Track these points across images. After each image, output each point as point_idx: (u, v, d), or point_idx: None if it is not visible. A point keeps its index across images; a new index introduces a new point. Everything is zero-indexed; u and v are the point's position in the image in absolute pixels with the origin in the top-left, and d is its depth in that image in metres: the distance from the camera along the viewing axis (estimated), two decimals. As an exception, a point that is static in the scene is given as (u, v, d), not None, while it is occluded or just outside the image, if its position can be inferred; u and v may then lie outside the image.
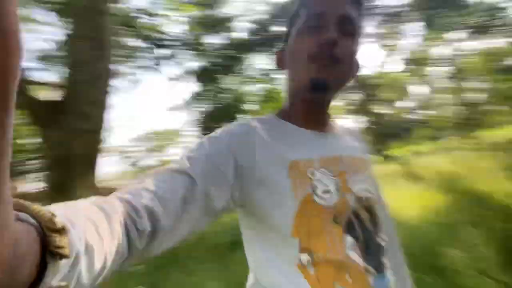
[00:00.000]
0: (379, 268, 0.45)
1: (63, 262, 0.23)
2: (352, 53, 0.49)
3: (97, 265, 0.27)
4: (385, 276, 0.45)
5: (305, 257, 0.42)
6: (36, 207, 0.23)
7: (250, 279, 0.49)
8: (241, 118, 0.51)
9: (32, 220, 0.22)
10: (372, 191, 0.50)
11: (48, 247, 0.21)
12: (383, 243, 0.47)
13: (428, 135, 17.65)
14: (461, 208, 2.64)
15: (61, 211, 0.26)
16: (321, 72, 0.46)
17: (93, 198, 0.32)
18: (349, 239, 0.44)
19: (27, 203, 0.23)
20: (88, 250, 0.26)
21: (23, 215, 0.22)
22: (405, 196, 3.16)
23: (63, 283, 0.23)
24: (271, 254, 0.44)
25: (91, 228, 0.27)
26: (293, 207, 0.43)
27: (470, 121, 13.05)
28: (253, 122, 0.49)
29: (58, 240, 0.22)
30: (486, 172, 3.61)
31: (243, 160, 0.43)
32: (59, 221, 0.23)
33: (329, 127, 0.54)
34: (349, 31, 0.47)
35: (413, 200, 3.11)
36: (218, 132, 0.46)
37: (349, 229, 0.44)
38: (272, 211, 0.43)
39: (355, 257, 0.43)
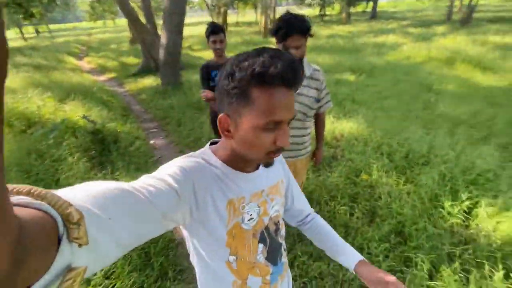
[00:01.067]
0: (279, 258, 0.72)
1: (82, 248, 0.26)
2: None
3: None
4: (279, 264, 0.73)
5: (232, 258, 0.64)
6: (53, 196, 0.25)
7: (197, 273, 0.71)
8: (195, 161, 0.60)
9: (50, 210, 0.24)
10: (280, 209, 0.73)
11: (68, 237, 0.24)
12: (280, 241, 0.73)
13: None
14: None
15: (71, 195, 0.30)
16: (272, 160, 0.62)
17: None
18: (260, 246, 0.67)
19: (44, 192, 0.25)
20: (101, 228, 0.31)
21: (36, 203, 0.24)
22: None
23: (81, 267, 0.26)
24: (210, 255, 0.64)
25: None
26: (226, 224, 0.61)
27: None
28: (205, 162, 0.61)
29: (77, 232, 0.25)
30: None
31: (200, 192, 0.57)
32: (75, 211, 0.25)
33: (257, 166, 0.68)
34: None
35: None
36: (183, 162, 0.58)
37: (261, 239, 0.68)
38: (215, 231, 0.61)
39: (261, 258, 0.68)
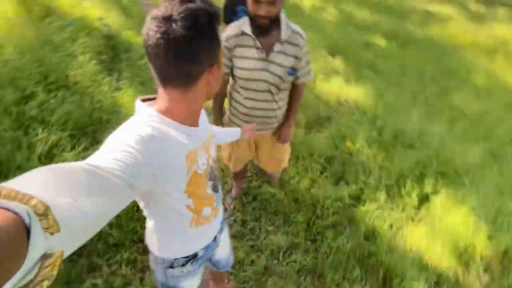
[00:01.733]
0: (217, 189, 0.87)
1: (55, 235, 0.26)
2: None
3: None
4: (219, 191, 0.90)
5: (190, 201, 0.75)
6: (10, 191, 0.25)
7: (150, 224, 0.83)
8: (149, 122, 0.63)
9: (10, 205, 0.23)
10: (214, 148, 0.87)
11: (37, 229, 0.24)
12: (216, 173, 0.87)
13: None
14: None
15: (32, 187, 0.29)
16: None
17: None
18: (210, 183, 0.82)
19: (4, 190, 0.24)
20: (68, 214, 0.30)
21: (4, 202, 0.23)
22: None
23: (58, 251, 0.27)
24: (171, 205, 0.73)
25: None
26: (185, 177, 0.71)
27: None
28: (159, 125, 0.63)
29: (46, 222, 0.25)
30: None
31: (159, 156, 0.60)
32: (39, 202, 0.25)
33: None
34: None
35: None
36: (137, 129, 0.58)
37: (210, 177, 0.82)
38: (176, 184, 0.70)
39: (210, 190, 0.82)
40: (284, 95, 1.45)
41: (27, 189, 0.27)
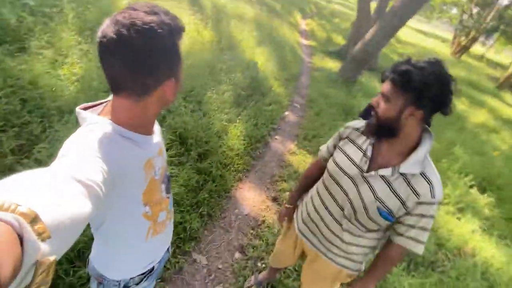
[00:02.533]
0: (169, 191, 0.85)
1: (46, 241, 0.26)
2: None
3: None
4: (170, 192, 0.87)
5: (147, 208, 0.73)
6: (1, 201, 0.25)
7: (101, 246, 0.79)
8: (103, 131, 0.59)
9: (4, 216, 0.23)
10: (164, 148, 0.83)
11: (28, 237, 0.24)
12: (168, 174, 0.84)
13: None
14: None
15: (18, 196, 0.29)
16: None
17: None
18: (163, 186, 0.79)
19: None
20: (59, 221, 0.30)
21: None
22: None
23: (51, 258, 0.26)
24: (125, 215, 0.70)
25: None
26: (143, 186, 0.70)
27: None
28: (117, 135, 0.62)
29: (36, 228, 0.25)
30: None
31: (116, 164, 0.57)
32: (28, 209, 0.25)
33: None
34: None
35: None
36: (95, 140, 0.55)
37: (163, 180, 0.78)
38: (132, 193, 0.68)
39: (164, 193, 0.80)
40: (366, 235, 1.07)
41: (13, 196, 0.28)
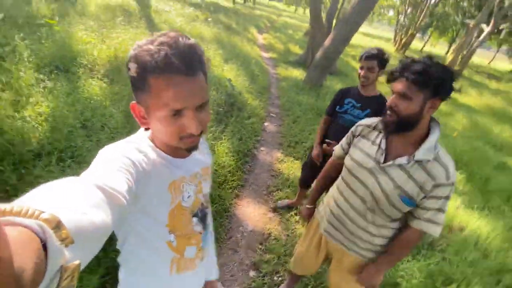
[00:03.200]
0: (206, 227, 0.80)
1: (70, 247, 0.27)
2: (207, 119, 0.62)
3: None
4: (208, 230, 0.83)
5: (172, 236, 0.69)
6: (24, 208, 0.25)
7: (123, 273, 0.75)
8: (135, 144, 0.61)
9: (28, 223, 0.23)
10: (209, 188, 0.81)
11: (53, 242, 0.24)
12: (206, 211, 0.80)
13: None
14: None
15: (40, 202, 0.29)
16: (191, 145, 0.61)
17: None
18: (195, 219, 0.74)
19: (8, 207, 0.24)
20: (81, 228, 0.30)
21: (17, 219, 0.23)
22: None
23: (76, 262, 0.27)
24: (149, 239, 0.67)
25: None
26: (168, 207, 0.66)
27: None
28: (144, 150, 0.60)
29: (60, 234, 0.26)
30: None
31: (142, 180, 0.55)
32: (51, 215, 0.26)
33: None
34: (203, 107, 0.59)
35: None
36: (124, 151, 0.55)
37: (196, 214, 0.74)
38: (156, 213, 0.65)
39: (196, 228, 0.75)
40: (389, 225, 1.11)
41: (37, 204, 0.29)
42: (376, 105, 1.79)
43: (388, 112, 0.99)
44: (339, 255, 1.28)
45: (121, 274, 0.77)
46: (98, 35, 4.75)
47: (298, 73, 7.35)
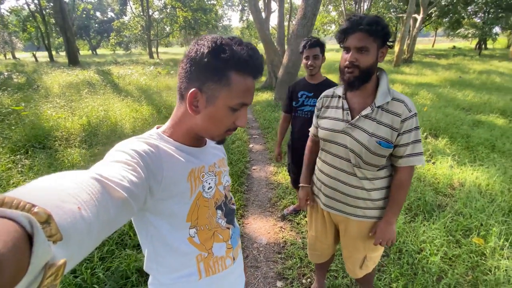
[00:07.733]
0: (232, 223, 0.78)
1: (58, 244, 0.26)
2: None
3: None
4: (235, 225, 0.80)
5: (192, 231, 0.66)
6: (15, 200, 0.24)
7: (148, 267, 0.70)
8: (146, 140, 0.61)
9: (16, 216, 0.22)
10: (229, 179, 0.80)
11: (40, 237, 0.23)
12: (233, 207, 0.79)
13: None
14: None
15: (32, 195, 0.28)
16: (226, 137, 0.69)
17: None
18: (219, 212, 0.72)
19: (0, 197, 0.23)
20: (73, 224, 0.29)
21: (3, 211, 0.22)
22: None
23: (61, 261, 0.25)
24: (170, 234, 0.64)
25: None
26: (189, 200, 0.64)
27: None
28: (157, 142, 0.62)
29: (49, 230, 0.24)
30: None
31: (158, 171, 0.57)
32: (41, 210, 0.25)
33: (205, 142, 0.74)
34: None
35: None
36: (136, 145, 0.56)
37: (219, 207, 0.72)
38: (177, 205, 0.63)
39: (223, 222, 0.74)
40: (380, 175, 1.14)
41: (30, 197, 0.27)
42: (327, 89, 1.92)
43: (349, 69, 1.05)
44: (343, 226, 1.27)
45: (150, 285, 0.72)
46: (67, 109, 4.82)
47: (267, 95, 7.67)
